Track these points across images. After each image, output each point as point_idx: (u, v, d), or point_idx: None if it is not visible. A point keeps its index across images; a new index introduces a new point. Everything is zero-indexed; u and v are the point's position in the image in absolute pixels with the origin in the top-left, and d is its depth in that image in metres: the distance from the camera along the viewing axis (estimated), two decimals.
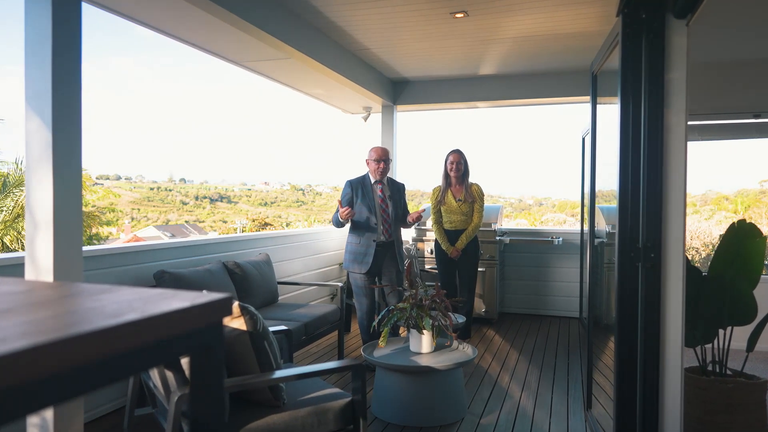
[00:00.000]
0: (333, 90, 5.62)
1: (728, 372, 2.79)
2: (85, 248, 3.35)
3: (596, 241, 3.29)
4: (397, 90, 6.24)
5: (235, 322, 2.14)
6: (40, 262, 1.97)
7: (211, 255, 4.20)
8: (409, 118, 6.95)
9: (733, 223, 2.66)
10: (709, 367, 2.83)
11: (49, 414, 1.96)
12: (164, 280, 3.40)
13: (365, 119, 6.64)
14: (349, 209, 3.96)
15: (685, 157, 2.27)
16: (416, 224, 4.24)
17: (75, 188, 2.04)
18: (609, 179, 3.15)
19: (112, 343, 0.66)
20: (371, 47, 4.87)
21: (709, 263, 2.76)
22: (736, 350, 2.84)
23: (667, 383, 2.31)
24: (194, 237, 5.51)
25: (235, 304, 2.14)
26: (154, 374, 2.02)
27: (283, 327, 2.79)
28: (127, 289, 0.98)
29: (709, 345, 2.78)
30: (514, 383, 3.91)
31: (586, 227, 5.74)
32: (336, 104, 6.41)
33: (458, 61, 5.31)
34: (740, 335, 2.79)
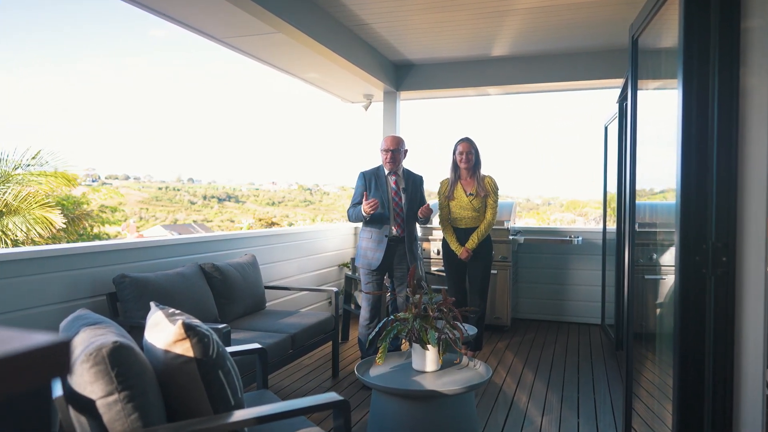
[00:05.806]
0: (329, 74, 5.10)
1: None
2: (26, 249, 2.88)
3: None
4: (401, 74, 5.70)
5: (179, 346, 1.63)
6: None
7: (189, 256, 3.70)
8: (412, 107, 6.40)
9: None
10: None
11: None
12: (125, 285, 2.91)
13: (366, 108, 6.11)
14: (375, 200, 3.67)
15: None
16: (427, 221, 3.97)
17: None
18: (647, 169, 2.62)
19: None
20: (371, 21, 4.34)
21: None
22: None
23: (744, 423, 1.78)
24: (166, 236, 5.04)
25: (179, 323, 1.64)
26: (69, 419, 1.51)
27: (256, 345, 2.27)
28: None
29: None
30: (533, 405, 3.38)
31: (611, 225, 5.19)
32: (334, 91, 5.89)
33: (468, 39, 4.77)
34: None
